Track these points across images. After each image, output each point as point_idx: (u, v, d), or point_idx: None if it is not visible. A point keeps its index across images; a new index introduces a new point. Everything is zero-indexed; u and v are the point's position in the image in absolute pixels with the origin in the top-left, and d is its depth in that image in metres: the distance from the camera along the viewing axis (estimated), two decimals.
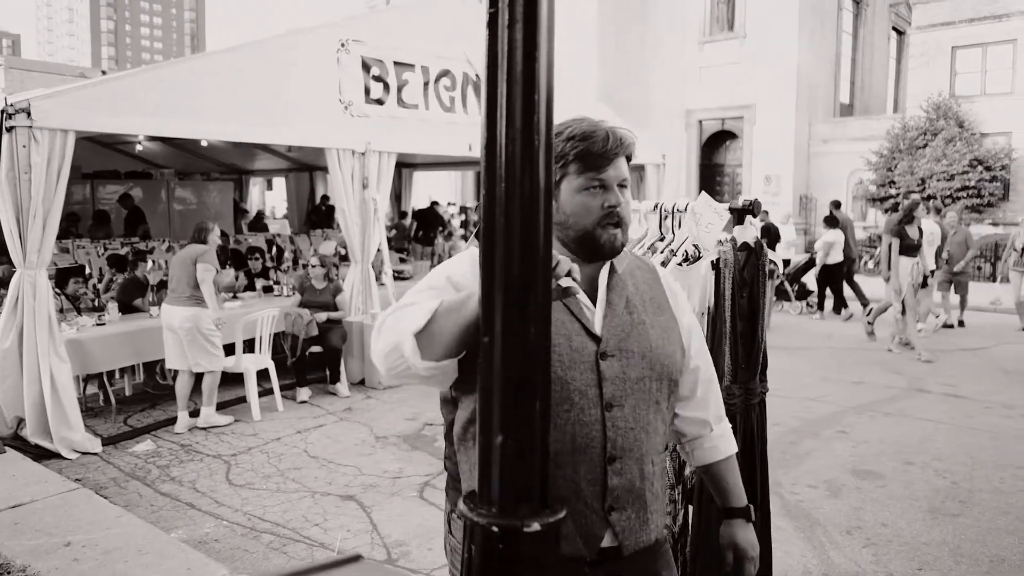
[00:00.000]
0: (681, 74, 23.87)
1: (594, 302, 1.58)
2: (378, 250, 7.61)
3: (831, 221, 11.12)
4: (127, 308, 6.77)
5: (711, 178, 24.56)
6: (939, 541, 4.01)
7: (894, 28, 28.50)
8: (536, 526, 1.36)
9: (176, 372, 6.00)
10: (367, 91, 7.33)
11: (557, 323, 1.49)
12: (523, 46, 1.34)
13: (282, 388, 6.61)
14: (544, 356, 1.39)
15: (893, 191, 19.83)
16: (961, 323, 10.53)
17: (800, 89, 22.38)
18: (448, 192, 25.41)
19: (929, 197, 19.16)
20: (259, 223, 14.19)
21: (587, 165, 1.50)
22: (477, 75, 8.01)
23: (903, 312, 8.53)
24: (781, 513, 4.21)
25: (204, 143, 10.40)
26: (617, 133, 1.52)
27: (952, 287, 10.52)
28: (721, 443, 1.77)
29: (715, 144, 24.46)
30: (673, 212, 2.35)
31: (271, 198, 21.47)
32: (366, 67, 7.31)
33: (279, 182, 17.04)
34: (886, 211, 19.37)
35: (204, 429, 5.88)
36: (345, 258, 8.79)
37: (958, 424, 6.06)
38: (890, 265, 8.40)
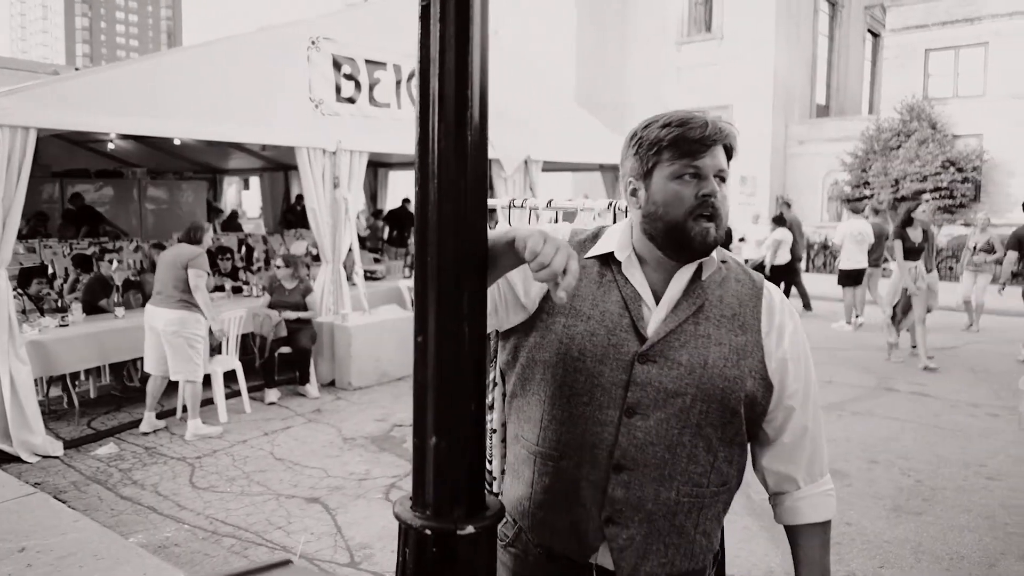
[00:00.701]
0: (659, 74, 23.96)
1: (659, 303, 1.45)
2: (349, 250, 7.55)
3: (779, 220, 11.26)
4: (93, 308, 6.66)
5: None
6: (901, 539, 4.03)
7: (869, 30, 28.80)
8: (470, 529, 1.34)
9: (145, 374, 5.90)
10: (338, 89, 7.27)
11: (604, 312, 1.44)
12: (455, 40, 1.32)
13: (251, 390, 6.53)
14: (479, 356, 1.37)
15: (868, 192, 20.04)
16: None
17: (777, 90, 22.56)
18: None
19: (902, 199, 19.42)
20: (233, 223, 14.05)
21: (682, 151, 1.38)
22: None
23: (892, 317, 8.27)
24: (747, 512, 4.21)
25: (177, 142, 10.27)
26: (716, 122, 1.40)
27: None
28: (803, 505, 1.50)
29: None
30: (627, 211, 2.32)
31: (248, 198, 21.26)
32: (337, 65, 7.25)
33: (256, 181, 16.90)
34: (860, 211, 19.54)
35: (168, 431, 5.80)
36: (318, 258, 8.72)
37: (924, 423, 6.11)
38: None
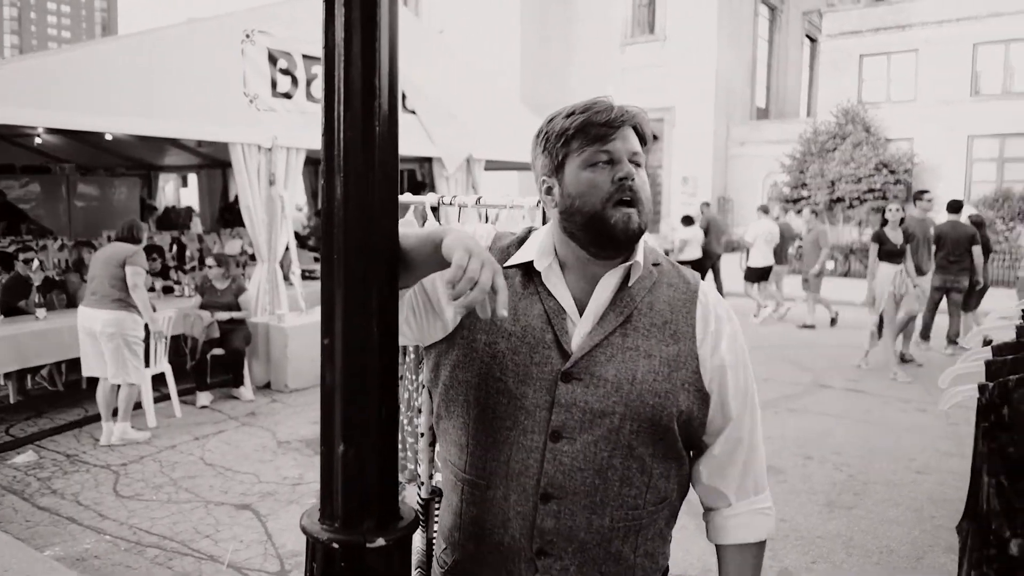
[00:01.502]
0: (604, 75, 24.11)
1: (584, 314, 1.33)
2: (286, 249, 7.38)
3: (687, 220, 11.72)
4: (12, 310, 6.35)
5: None
6: (833, 534, 4.09)
7: (807, 36, 29.53)
8: (381, 541, 1.27)
9: (71, 378, 5.64)
10: (274, 84, 7.09)
11: (526, 328, 1.32)
12: (361, 25, 1.25)
13: (182, 393, 6.31)
14: (389, 358, 1.30)
15: (805, 193, 20.53)
16: (833, 321, 10.74)
17: (718, 92, 22.92)
18: None
19: (838, 199, 19.95)
20: (168, 221, 13.64)
21: (591, 137, 1.29)
22: None
23: (880, 325, 7.79)
24: (684, 511, 4.21)
25: (109, 137, 9.92)
26: (623, 104, 1.32)
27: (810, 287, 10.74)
28: (732, 524, 1.41)
29: None
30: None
31: (186, 195, 20.71)
32: (273, 60, 7.06)
33: (193, 178, 16.44)
34: (798, 212, 19.99)
35: (92, 437, 5.56)
36: (255, 257, 8.50)
37: (857, 418, 6.25)
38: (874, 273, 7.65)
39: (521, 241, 1.43)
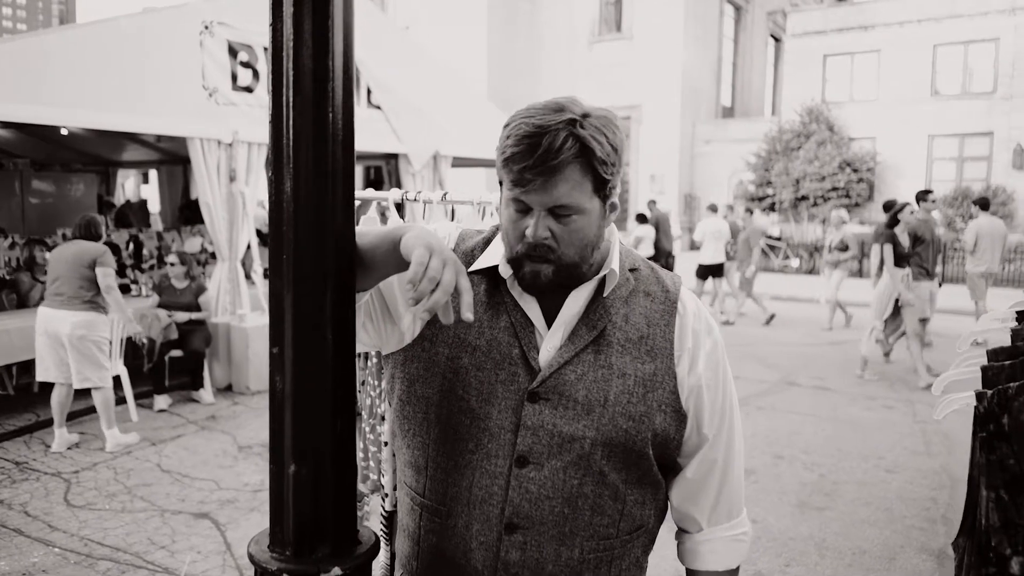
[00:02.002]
0: (571, 73, 24.11)
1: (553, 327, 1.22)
2: (248, 247, 7.18)
3: (641, 218, 11.84)
4: None
5: None
6: (806, 535, 4.05)
7: (772, 35, 29.82)
8: (337, 571, 1.16)
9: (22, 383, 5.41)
10: (234, 78, 6.88)
11: (492, 342, 1.22)
12: (313, 1, 1.13)
13: (138, 396, 6.09)
14: (344, 368, 1.19)
15: (770, 191, 20.72)
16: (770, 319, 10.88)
17: (685, 90, 23.05)
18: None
19: (803, 198, 20.13)
20: (126, 218, 13.28)
21: (512, 177, 1.13)
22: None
23: (883, 328, 7.58)
24: None
25: (64, 131, 9.60)
26: (558, 143, 1.08)
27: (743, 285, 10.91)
28: (704, 549, 1.33)
29: None
30: None
31: (146, 192, 20.26)
32: (233, 52, 6.86)
33: (154, 175, 16.05)
34: (763, 210, 20.15)
35: (43, 443, 5.33)
36: (215, 255, 8.28)
37: (824, 416, 6.25)
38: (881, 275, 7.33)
39: (488, 242, 1.31)
